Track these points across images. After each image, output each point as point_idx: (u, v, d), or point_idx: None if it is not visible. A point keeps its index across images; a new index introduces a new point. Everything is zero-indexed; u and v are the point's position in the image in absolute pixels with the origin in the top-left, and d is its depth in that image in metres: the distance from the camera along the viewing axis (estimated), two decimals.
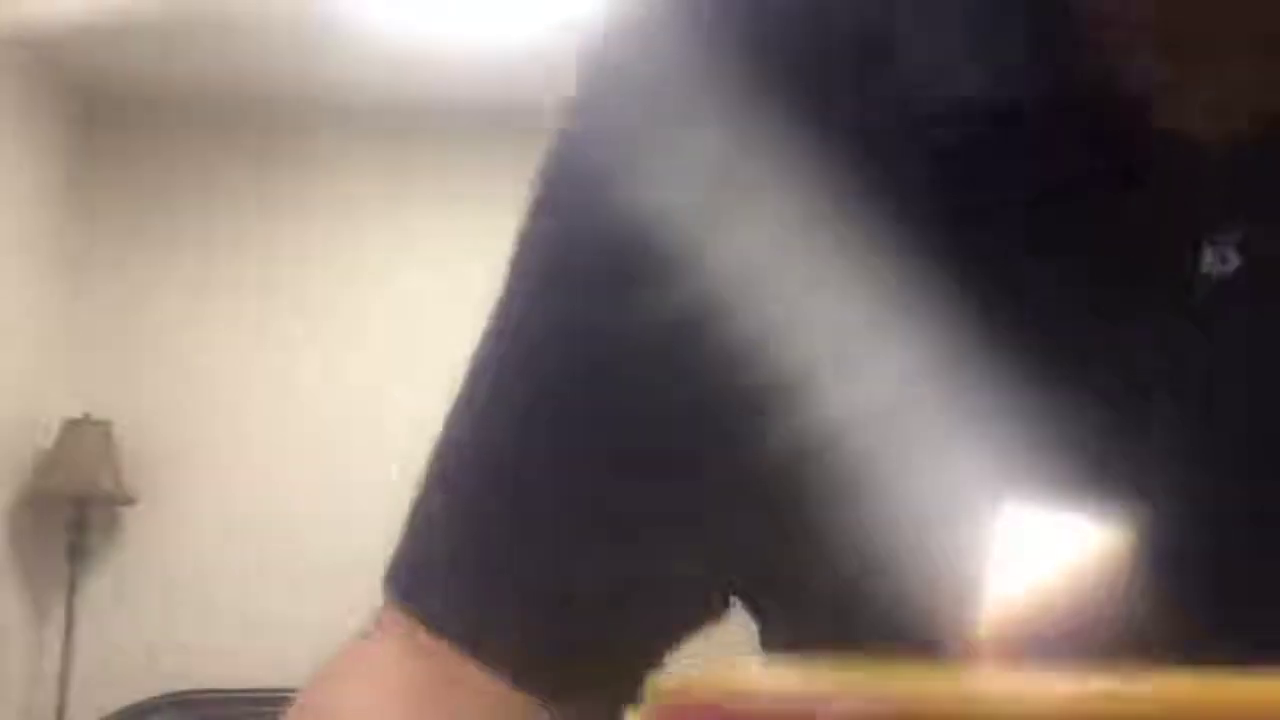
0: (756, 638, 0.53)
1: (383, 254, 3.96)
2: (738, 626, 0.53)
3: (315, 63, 3.78)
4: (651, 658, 0.51)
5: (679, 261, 0.46)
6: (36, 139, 3.81)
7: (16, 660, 3.61)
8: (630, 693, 0.50)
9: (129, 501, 3.69)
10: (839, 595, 0.45)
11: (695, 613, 0.51)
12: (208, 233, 3.96)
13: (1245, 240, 0.41)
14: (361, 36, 3.62)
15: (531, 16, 3.52)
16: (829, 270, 0.44)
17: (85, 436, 3.63)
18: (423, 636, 0.51)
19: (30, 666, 3.65)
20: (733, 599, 0.52)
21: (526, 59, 3.71)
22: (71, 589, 3.70)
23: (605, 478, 0.49)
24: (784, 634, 0.50)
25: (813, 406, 0.44)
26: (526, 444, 0.50)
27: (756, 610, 0.52)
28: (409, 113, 3.96)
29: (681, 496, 0.48)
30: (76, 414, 3.66)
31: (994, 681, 0.18)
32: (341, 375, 3.87)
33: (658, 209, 0.47)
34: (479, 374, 0.53)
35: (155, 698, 3.43)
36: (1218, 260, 0.41)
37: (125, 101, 3.98)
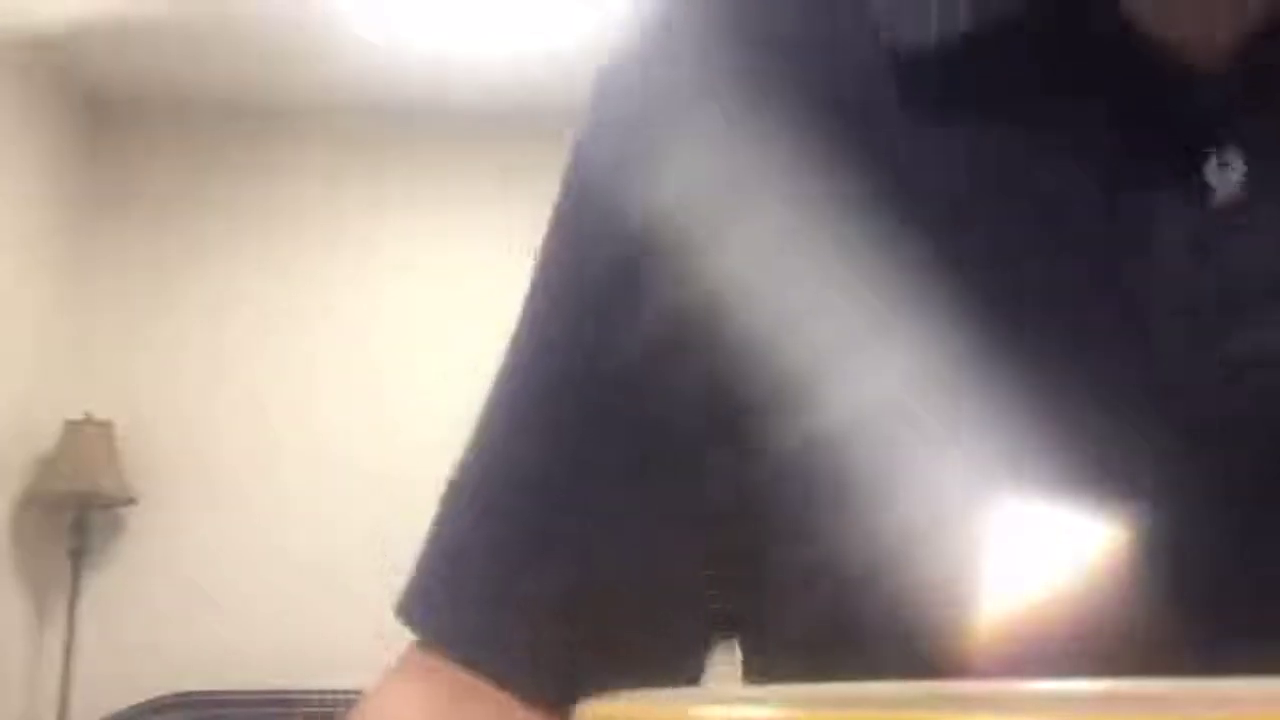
0: (740, 646, 0.53)
1: (383, 256, 3.96)
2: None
3: (314, 65, 3.78)
4: (672, 666, 0.51)
5: (685, 268, 0.46)
6: (37, 140, 3.81)
7: (18, 660, 3.61)
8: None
9: (130, 502, 3.69)
10: (840, 597, 0.45)
11: (704, 624, 0.51)
12: (208, 234, 3.96)
13: (1248, 150, 0.41)
14: (362, 41, 3.62)
15: (531, 23, 3.52)
16: (832, 271, 0.44)
17: (87, 437, 3.63)
18: (438, 662, 0.51)
19: (31, 667, 3.65)
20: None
21: (525, 65, 3.71)
22: (73, 590, 3.70)
23: (615, 485, 0.49)
24: (781, 639, 0.50)
25: (816, 408, 0.44)
26: (535, 457, 0.51)
27: (750, 614, 0.51)
28: (410, 117, 3.96)
29: (689, 500, 0.49)
30: (78, 415, 3.66)
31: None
32: (342, 375, 3.87)
33: (663, 215, 0.47)
34: (497, 395, 0.54)
35: (156, 698, 3.43)
36: (1221, 172, 0.41)
37: (125, 102, 3.98)
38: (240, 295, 3.93)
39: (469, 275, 3.95)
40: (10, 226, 3.66)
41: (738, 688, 0.47)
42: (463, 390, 3.68)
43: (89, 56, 3.75)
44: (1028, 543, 0.46)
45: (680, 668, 0.51)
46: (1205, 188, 0.41)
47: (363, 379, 3.87)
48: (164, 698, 3.43)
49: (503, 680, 0.50)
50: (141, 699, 3.43)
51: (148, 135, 4.01)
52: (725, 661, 0.53)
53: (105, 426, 3.66)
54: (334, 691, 3.49)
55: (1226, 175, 0.41)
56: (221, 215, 3.98)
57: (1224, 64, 0.42)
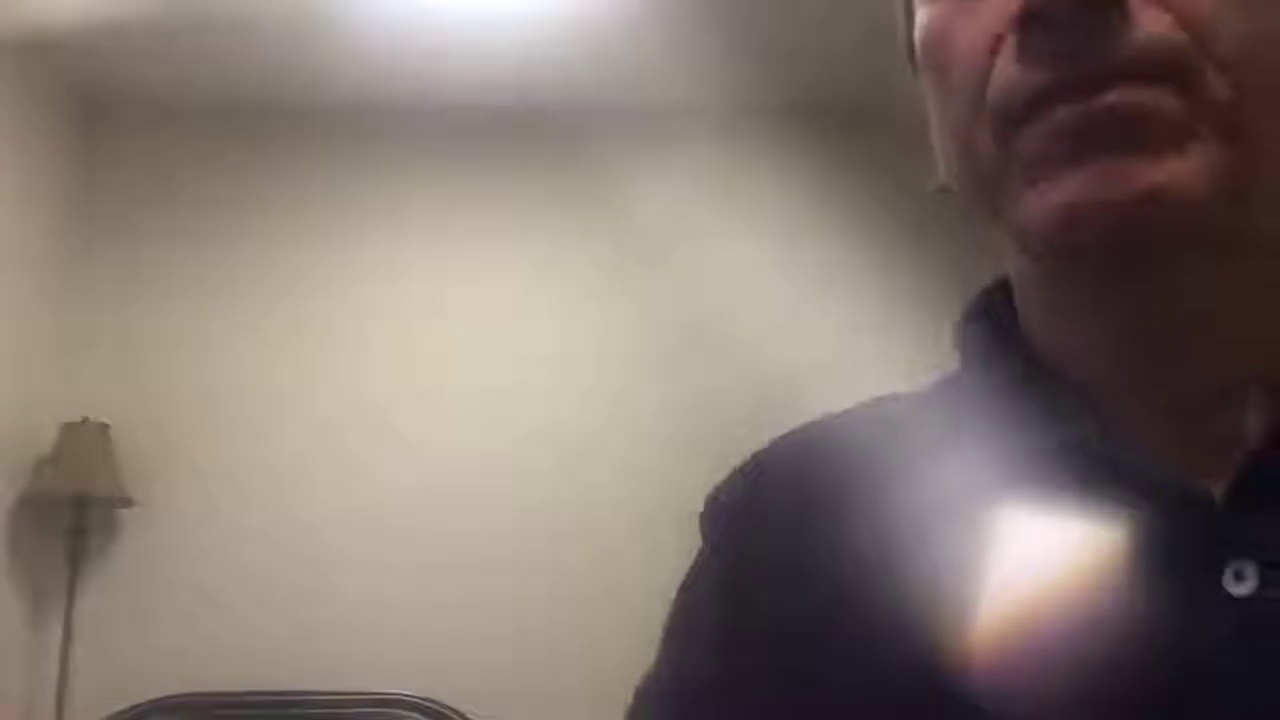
0: None
1: (383, 255, 3.96)
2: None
3: (314, 64, 3.78)
4: None
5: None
6: (35, 140, 3.81)
7: (15, 662, 3.61)
8: None
9: (128, 504, 3.69)
10: None
11: None
12: (207, 234, 3.96)
13: (1262, 562, 0.50)
14: (361, 39, 3.62)
15: (530, 19, 3.52)
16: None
17: (84, 439, 3.63)
18: None
19: (29, 668, 3.64)
20: None
21: (526, 61, 3.71)
22: (70, 591, 3.69)
23: None
24: None
25: None
26: None
27: None
28: (409, 114, 3.96)
29: None
30: (75, 416, 3.66)
31: None
32: (340, 376, 3.87)
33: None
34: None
35: (154, 700, 3.43)
36: (1235, 580, 0.50)
37: (124, 103, 3.98)
38: (238, 296, 3.93)
39: (469, 273, 3.94)
40: (7, 226, 3.66)
41: None
42: (463, 388, 3.70)
43: (89, 56, 3.75)
44: (1026, 551, 0.51)
45: None
46: (1225, 594, 0.50)
47: (361, 380, 3.87)
48: (161, 699, 3.42)
49: None
50: (138, 700, 3.43)
51: (147, 135, 4.01)
52: None
53: (102, 428, 3.66)
54: (333, 692, 3.49)
55: (1242, 582, 0.50)
56: (221, 216, 3.97)
57: (1234, 489, 0.52)
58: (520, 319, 3.90)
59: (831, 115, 3.88)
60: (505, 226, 3.98)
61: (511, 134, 3.97)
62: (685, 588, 0.67)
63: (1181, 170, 0.49)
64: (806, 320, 3.76)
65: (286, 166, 4.00)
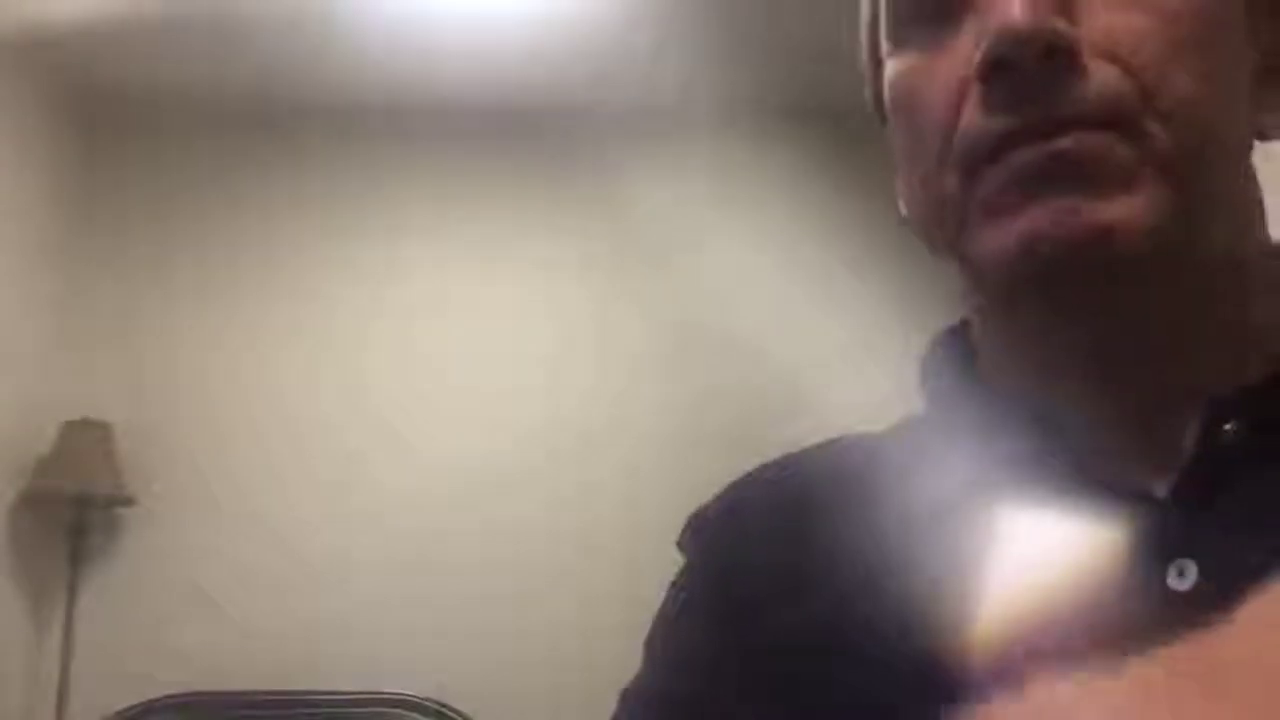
0: None
1: (381, 255, 3.96)
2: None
3: (314, 64, 3.78)
4: None
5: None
6: (35, 140, 3.81)
7: (16, 661, 3.61)
8: None
9: (128, 503, 3.69)
10: None
11: None
12: (207, 234, 3.96)
13: (1200, 560, 0.54)
14: (361, 39, 3.62)
15: (529, 19, 3.52)
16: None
17: (85, 438, 3.63)
18: None
19: (29, 667, 3.65)
20: None
21: (525, 61, 3.71)
22: (71, 590, 3.69)
23: None
24: None
25: None
26: None
27: None
28: (408, 114, 3.96)
29: None
30: (76, 416, 3.66)
31: None
32: (340, 376, 3.87)
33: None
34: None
35: (154, 700, 3.43)
36: (1178, 576, 0.54)
37: (124, 103, 3.98)
38: (239, 296, 3.93)
39: (469, 273, 3.95)
40: (8, 226, 3.66)
41: None
42: (463, 388, 3.70)
43: (89, 56, 3.75)
44: (1026, 547, 0.52)
45: None
46: (1168, 589, 0.54)
47: (361, 379, 3.87)
48: (161, 699, 3.42)
49: None
50: (139, 700, 3.43)
51: (147, 135, 4.01)
52: None
53: (103, 427, 3.66)
54: (334, 692, 3.49)
55: (1183, 579, 0.54)
56: (221, 216, 3.97)
57: (1176, 493, 0.57)
58: (520, 319, 3.90)
59: (831, 115, 3.88)
60: (505, 226, 3.99)
61: (510, 134, 3.97)
62: (669, 602, 0.69)
63: (1129, 208, 0.55)
64: (806, 320, 3.76)
65: (287, 166, 4.00)
